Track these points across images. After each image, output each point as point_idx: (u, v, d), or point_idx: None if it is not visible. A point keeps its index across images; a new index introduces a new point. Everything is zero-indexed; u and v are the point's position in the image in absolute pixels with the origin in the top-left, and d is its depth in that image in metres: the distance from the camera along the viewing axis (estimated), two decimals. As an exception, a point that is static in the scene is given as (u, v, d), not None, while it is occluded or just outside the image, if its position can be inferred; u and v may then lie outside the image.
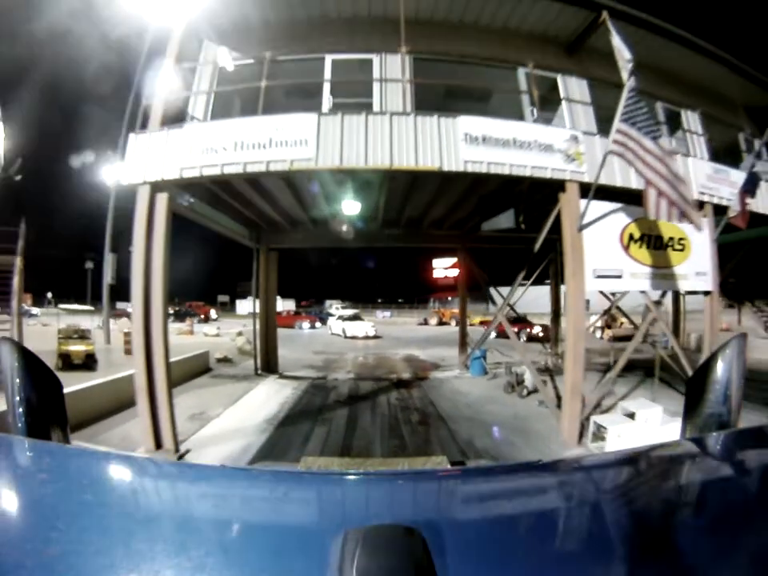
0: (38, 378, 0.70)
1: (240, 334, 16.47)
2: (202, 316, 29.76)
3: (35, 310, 31.87)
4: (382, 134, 4.45)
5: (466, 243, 9.78)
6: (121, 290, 16.48)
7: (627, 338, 11.19)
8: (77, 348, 10.36)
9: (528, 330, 17.42)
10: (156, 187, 4.81)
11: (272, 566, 0.38)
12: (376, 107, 5.03)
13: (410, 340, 18.86)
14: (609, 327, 18.21)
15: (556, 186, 5.00)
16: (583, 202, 4.89)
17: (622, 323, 17.97)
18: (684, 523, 0.45)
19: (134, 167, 4.98)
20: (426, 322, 29.99)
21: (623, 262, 5.09)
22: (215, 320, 30.32)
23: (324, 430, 5.71)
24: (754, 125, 10.59)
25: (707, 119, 8.85)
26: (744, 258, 13.17)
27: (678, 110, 8.61)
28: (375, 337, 19.81)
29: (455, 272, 16.71)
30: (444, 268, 31.79)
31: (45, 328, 18.61)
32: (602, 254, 4.96)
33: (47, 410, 0.69)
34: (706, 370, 0.68)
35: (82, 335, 11.93)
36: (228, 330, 20.22)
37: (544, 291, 13.17)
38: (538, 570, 0.39)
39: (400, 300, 54.44)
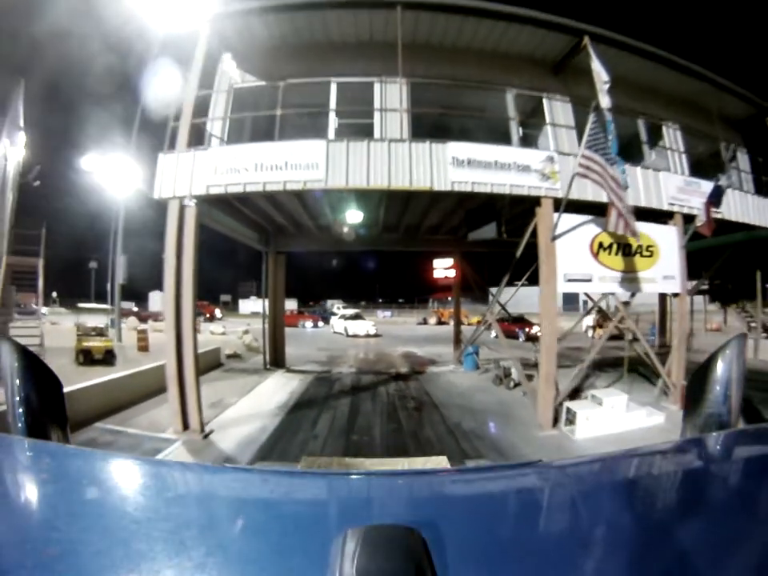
0: (38, 378, 0.70)
1: (246, 332, 17.20)
2: (207, 315, 30.53)
3: (44, 309, 32.71)
4: (382, 158, 5.19)
5: (460, 248, 10.53)
6: (123, 289, 17.26)
7: (618, 337, 11.92)
8: (97, 344, 11.10)
9: (527, 329, 17.94)
10: (184, 202, 5.54)
11: (272, 566, 0.38)
12: (377, 134, 5.77)
13: (409, 338, 19.57)
14: (600, 327, 18.89)
15: (533, 201, 5.72)
16: (557, 214, 5.61)
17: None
18: (684, 523, 0.45)
19: (165, 183, 5.71)
20: (425, 322, 30.71)
21: (593, 268, 5.81)
22: (220, 319, 31.10)
23: (330, 414, 6.45)
24: (739, 135, 11.26)
25: (688, 131, 9.51)
26: (727, 262, 13.86)
27: (659, 123, 9.29)
28: (376, 335, 20.53)
29: (454, 272, 17.42)
30: (444, 268, 32.46)
31: (53, 326, 19.34)
32: (574, 261, 5.68)
33: (47, 409, 0.69)
34: (706, 370, 0.68)
35: (100, 332, 12.72)
36: (234, 329, 20.93)
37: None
38: (537, 569, 0.39)
39: (401, 300, 55.22)
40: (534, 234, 5.93)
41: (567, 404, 5.67)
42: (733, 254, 13.19)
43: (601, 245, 5.88)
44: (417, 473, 0.97)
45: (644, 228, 6.73)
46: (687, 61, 9.21)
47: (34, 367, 0.71)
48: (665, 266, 6.76)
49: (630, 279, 6.21)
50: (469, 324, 22.07)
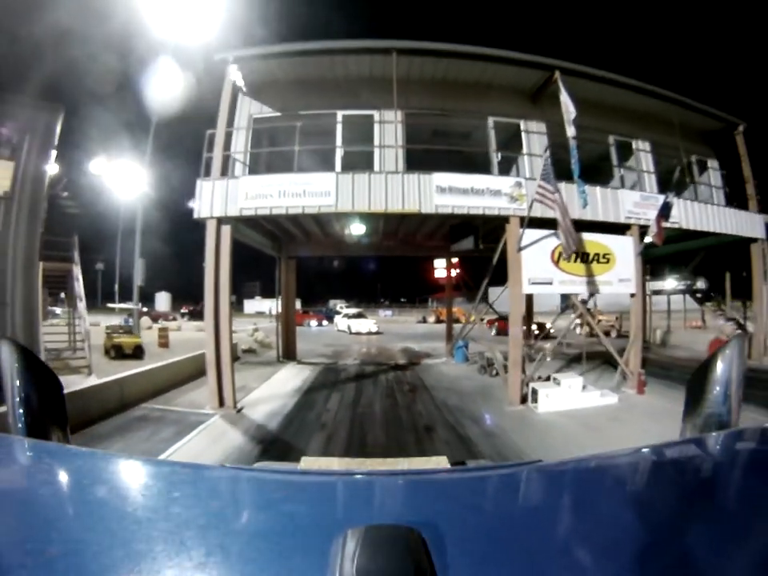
0: (38, 378, 0.70)
1: (257, 329, 18.51)
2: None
3: (58, 310, 34.13)
4: (380, 187, 6.47)
5: (450, 255, 11.81)
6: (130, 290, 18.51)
7: (605, 334, 13.17)
8: (128, 340, 12.43)
9: (535, 329, 19.13)
10: (220, 221, 6.84)
11: (272, 566, 0.39)
12: (376, 167, 7.05)
13: (408, 335, 20.86)
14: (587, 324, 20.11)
15: (503, 219, 6.98)
16: (529, 232, 6.87)
17: (599, 320, 19.83)
18: (684, 523, 0.45)
19: (203, 205, 7.00)
20: (424, 320, 32.00)
21: (553, 273, 7.06)
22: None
23: (339, 395, 7.75)
24: (711, 148, 12.40)
25: (657, 146, 10.68)
26: (702, 264, 15.05)
27: (629, 141, 10.49)
28: (377, 333, 21.82)
29: (454, 272, 18.54)
30: (444, 268, 33.71)
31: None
32: (537, 267, 6.93)
33: (47, 410, 0.70)
34: (706, 370, 0.68)
35: (128, 330, 14.06)
36: (243, 327, 22.25)
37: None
38: (537, 570, 0.40)
39: (402, 300, 56.52)
40: (506, 245, 7.20)
41: (532, 384, 6.94)
42: (706, 256, 14.44)
43: (561, 254, 7.13)
44: (417, 473, 0.99)
45: (602, 239, 7.98)
46: (660, 79, 10.44)
47: (34, 367, 0.70)
48: (621, 271, 7.99)
49: (587, 282, 7.46)
50: (466, 322, 23.35)
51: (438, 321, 30.44)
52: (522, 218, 6.87)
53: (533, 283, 6.90)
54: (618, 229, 8.45)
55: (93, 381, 8.11)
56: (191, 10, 10.15)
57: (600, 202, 8.10)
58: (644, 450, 0.67)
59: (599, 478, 0.62)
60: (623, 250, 8.14)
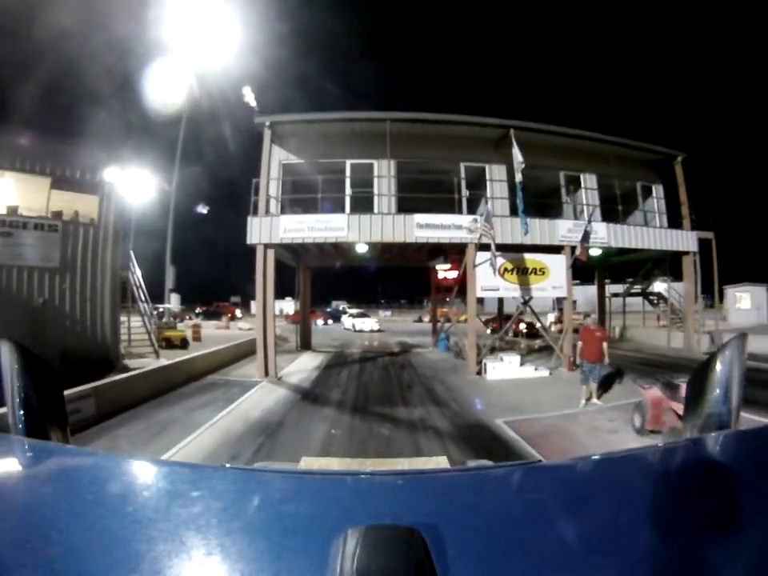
0: (38, 378, 0.70)
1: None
2: (229, 315, 34.84)
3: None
4: (378, 224, 9.42)
5: (430, 267, 14.81)
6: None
7: (574, 331, 15.98)
8: (175, 333, 15.39)
9: (513, 326, 21.79)
10: (267, 246, 9.80)
11: (272, 566, 0.39)
12: (375, 209, 10.03)
13: (404, 332, 23.87)
14: (560, 322, 23.01)
15: (464, 245, 9.92)
16: (480, 254, 9.82)
17: (574, 318, 22.70)
18: (684, 524, 0.45)
19: (253, 235, 9.95)
20: (420, 320, 34.91)
21: (499, 283, 9.98)
22: (240, 318, 35.39)
23: (347, 370, 10.72)
24: (657, 175, 15.14)
25: (604, 176, 13.53)
26: (650, 271, 17.95)
27: (577, 175, 13.41)
28: (379, 330, 24.83)
29: (453, 274, 20.25)
30: (444, 270, 36.61)
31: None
32: (487, 279, 9.85)
33: (47, 410, 0.70)
34: (706, 370, 0.69)
35: (173, 326, 17.05)
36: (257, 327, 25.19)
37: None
38: (537, 569, 0.40)
39: (403, 301, 59.50)
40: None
41: (485, 361, 9.88)
42: (652, 265, 17.42)
43: (505, 268, 10.07)
44: (417, 473, 0.95)
45: (538, 257, 10.90)
46: (605, 120, 13.42)
47: (34, 367, 0.70)
48: (554, 281, 10.92)
49: (525, 289, 10.40)
50: (458, 321, 26.25)
51: (437, 321, 33.47)
52: (476, 244, 9.82)
53: (484, 290, 9.87)
54: (555, 249, 11.36)
55: (163, 362, 11.03)
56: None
57: (539, 230, 11.03)
58: (644, 450, 0.68)
59: (599, 477, 0.62)
60: (556, 265, 11.07)
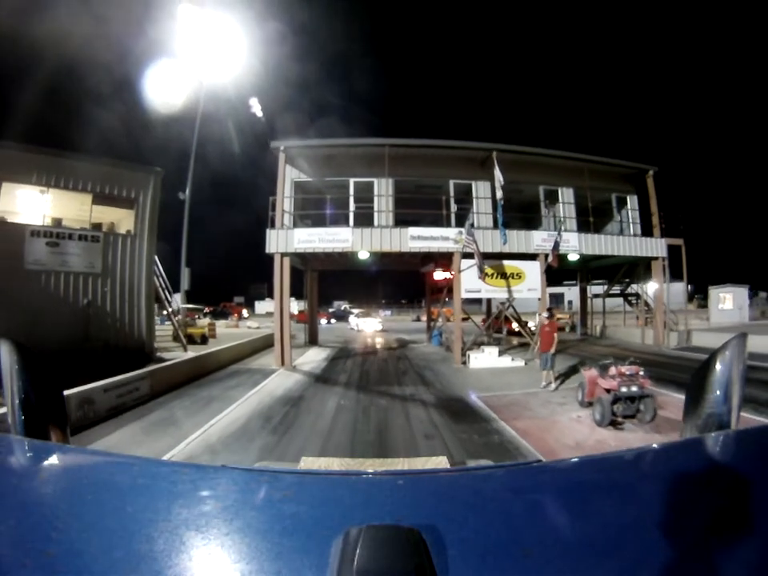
0: (37, 378, 0.71)
1: (280, 325, 23.19)
2: (235, 315, 36.60)
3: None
4: (377, 236, 11.17)
5: (423, 271, 16.61)
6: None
7: (560, 329, 17.76)
8: (197, 330, 17.15)
9: (507, 326, 23.34)
10: (283, 255, 11.55)
11: (272, 566, 0.39)
12: (376, 223, 11.77)
13: (402, 330, 25.62)
14: (551, 319, 24.68)
15: (450, 254, 11.67)
16: (464, 261, 11.57)
17: (558, 318, 24.37)
18: (684, 523, 0.46)
19: (271, 245, 11.69)
20: (418, 319, 36.70)
21: (481, 286, 11.71)
22: (247, 318, 37.16)
23: (351, 361, 12.47)
24: (633, 186, 16.75)
25: (581, 189, 15.16)
26: (626, 274, 19.57)
27: (555, 189, 15.11)
28: (382, 330, 26.54)
29: (446, 275, 21.46)
30: (434, 273, 38.36)
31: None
32: (471, 282, 11.57)
33: (47, 410, 0.70)
34: (706, 370, 0.69)
35: (192, 324, 18.80)
36: (264, 325, 26.93)
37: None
38: (537, 569, 0.40)
39: (404, 300, 61.16)
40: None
41: (468, 352, 11.61)
42: (628, 269, 19.09)
43: (487, 273, 11.79)
44: (417, 473, 0.96)
45: (516, 263, 12.61)
46: (588, 136, 15.25)
47: (33, 367, 0.71)
48: (530, 284, 12.64)
49: (504, 291, 12.14)
50: (447, 321, 28.20)
51: (431, 319, 35.19)
52: (461, 253, 11.57)
53: (468, 292, 11.62)
54: (531, 256, 13.07)
55: (191, 354, 12.74)
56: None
57: (516, 240, 12.75)
58: (644, 450, 0.69)
59: (599, 477, 0.61)
60: (532, 270, 12.78)
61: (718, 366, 0.68)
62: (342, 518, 0.48)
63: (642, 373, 6.36)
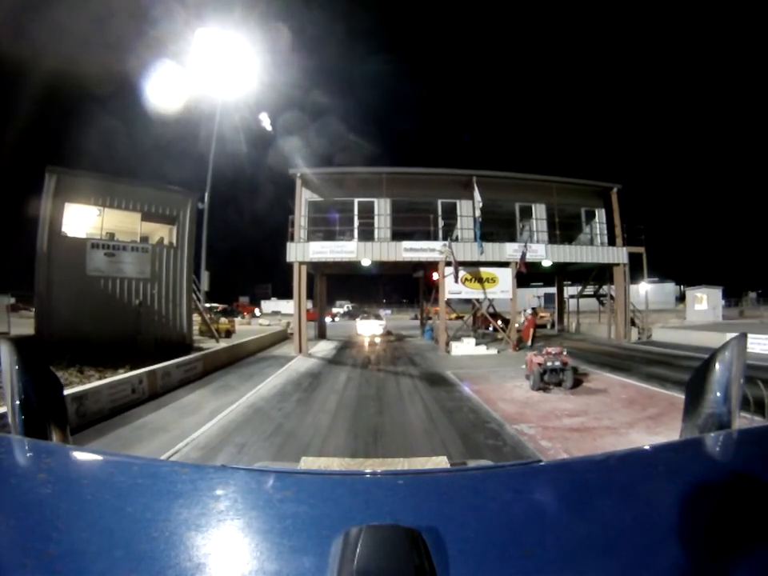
0: (37, 378, 0.71)
1: (288, 323, 25.88)
2: (247, 313, 39.44)
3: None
4: (377, 248, 13.94)
5: (415, 277, 19.38)
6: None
7: (542, 326, 20.47)
8: (222, 325, 19.93)
9: (500, 323, 25.96)
10: (301, 263, 14.33)
11: (272, 566, 0.39)
12: (376, 237, 14.54)
13: (401, 327, 28.32)
14: (534, 316, 27.42)
15: (436, 263, 14.42)
16: (447, 268, 14.32)
17: (542, 316, 27.04)
18: (684, 523, 0.46)
19: (291, 255, 14.46)
20: (416, 317, 39.28)
21: (461, 288, 14.44)
22: (258, 316, 39.98)
23: (355, 350, 15.26)
24: (600, 200, 19.43)
25: (553, 205, 17.85)
26: (596, 278, 22.15)
27: (530, 205, 17.81)
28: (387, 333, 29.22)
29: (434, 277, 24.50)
30: (430, 276, 40.99)
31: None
32: (452, 286, 14.29)
33: (47, 410, 0.71)
34: (706, 370, 0.69)
35: (217, 320, 21.59)
36: (274, 323, 29.64)
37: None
38: (537, 569, 0.40)
39: (404, 300, 63.76)
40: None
41: (451, 342, 14.36)
42: (597, 273, 21.71)
43: (466, 278, 14.52)
44: (417, 473, 0.98)
45: (491, 269, 15.31)
46: (561, 157, 17.74)
47: (34, 367, 0.71)
48: (502, 286, 15.36)
49: (480, 292, 14.88)
50: (449, 318, 30.99)
51: (428, 317, 37.83)
52: (444, 262, 14.33)
53: (450, 293, 14.39)
54: (504, 264, 15.75)
55: (224, 344, 15.47)
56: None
57: (491, 250, 15.47)
58: (644, 450, 0.69)
59: (599, 477, 0.61)
60: (504, 276, 15.49)
61: (718, 366, 0.69)
62: (341, 518, 0.49)
63: (564, 353, 9.05)
